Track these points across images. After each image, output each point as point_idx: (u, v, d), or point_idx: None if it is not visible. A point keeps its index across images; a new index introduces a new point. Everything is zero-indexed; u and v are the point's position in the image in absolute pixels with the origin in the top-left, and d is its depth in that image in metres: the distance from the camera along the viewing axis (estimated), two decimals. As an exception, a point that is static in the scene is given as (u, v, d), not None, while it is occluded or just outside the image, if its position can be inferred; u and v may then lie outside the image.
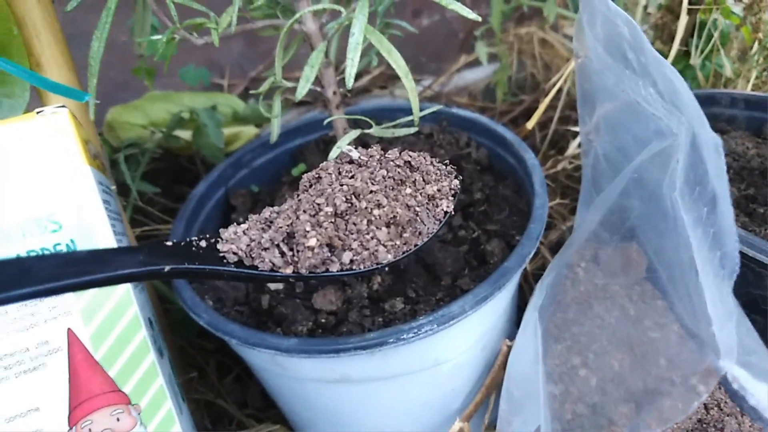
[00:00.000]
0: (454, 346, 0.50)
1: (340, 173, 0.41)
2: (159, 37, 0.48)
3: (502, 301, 0.52)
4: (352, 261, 0.38)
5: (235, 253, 0.37)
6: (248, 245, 0.37)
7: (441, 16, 1.27)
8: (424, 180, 0.42)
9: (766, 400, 0.42)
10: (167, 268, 0.33)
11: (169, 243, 0.36)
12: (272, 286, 0.55)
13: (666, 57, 0.76)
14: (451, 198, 0.42)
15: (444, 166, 0.45)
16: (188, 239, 0.37)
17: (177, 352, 0.70)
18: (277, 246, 0.37)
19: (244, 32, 0.48)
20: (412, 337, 0.44)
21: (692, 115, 0.37)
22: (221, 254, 0.37)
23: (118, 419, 0.40)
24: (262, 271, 0.36)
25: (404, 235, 0.39)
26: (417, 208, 0.40)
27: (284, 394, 0.58)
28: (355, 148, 0.44)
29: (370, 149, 0.43)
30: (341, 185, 0.39)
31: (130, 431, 0.40)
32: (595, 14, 0.46)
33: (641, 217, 0.44)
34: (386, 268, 0.55)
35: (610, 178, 0.48)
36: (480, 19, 0.42)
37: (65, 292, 0.28)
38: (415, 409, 0.55)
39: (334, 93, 0.51)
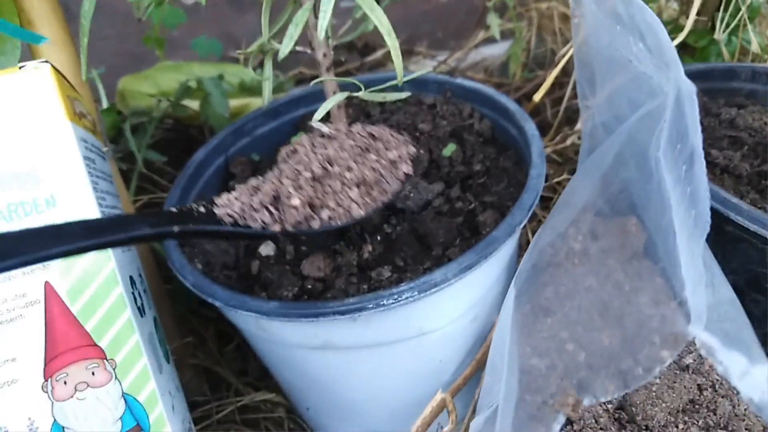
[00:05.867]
0: (439, 315, 0.49)
1: (314, 145, 0.46)
2: (150, -4, 0.48)
3: (491, 271, 0.50)
4: (330, 218, 0.44)
5: (230, 216, 0.42)
6: (241, 208, 0.43)
7: (462, -8, 1.24)
8: (385, 147, 0.48)
9: (734, 369, 0.39)
10: (176, 228, 0.38)
11: (174, 210, 0.42)
12: (263, 251, 0.55)
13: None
14: (409, 162, 0.48)
15: (401, 136, 0.50)
16: (189, 206, 0.43)
17: (177, 319, 0.70)
18: (266, 207, 0.43)
19: (259, 5, 0.49)
20: (393, 303, 0.43)
21: (672, 64, 0.34)
22: (218, 218, 0.42)
23: (93, 373, 0.40)
24: (255, 229, 0.42)
25: (372, 193, 0.45)
26: (381, 171, 0.46)
27: (273, 361, 0.58)
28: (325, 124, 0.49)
29: (337, 125, 0.49)
30: (316, 154, 0.45)
31: (104, 385, 0.41)
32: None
33: (636, 185, 0.42)
34: (378, 237, 0.55)
35: (607, 147, 0.46)
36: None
37: (94, 250, 0.33)
38: (403, 379, 0.54)
39: (324, 55, 0.50)
